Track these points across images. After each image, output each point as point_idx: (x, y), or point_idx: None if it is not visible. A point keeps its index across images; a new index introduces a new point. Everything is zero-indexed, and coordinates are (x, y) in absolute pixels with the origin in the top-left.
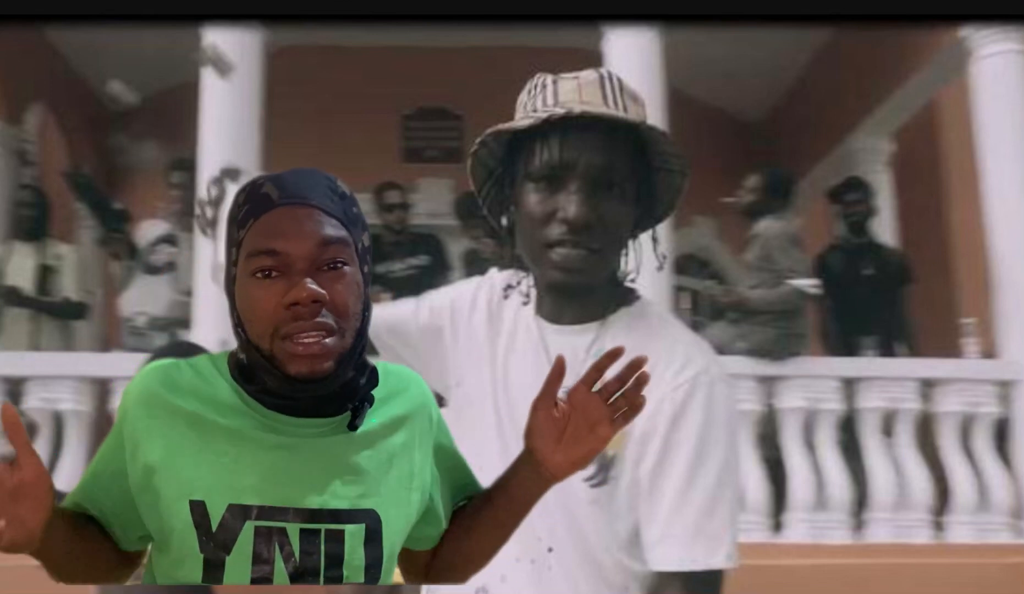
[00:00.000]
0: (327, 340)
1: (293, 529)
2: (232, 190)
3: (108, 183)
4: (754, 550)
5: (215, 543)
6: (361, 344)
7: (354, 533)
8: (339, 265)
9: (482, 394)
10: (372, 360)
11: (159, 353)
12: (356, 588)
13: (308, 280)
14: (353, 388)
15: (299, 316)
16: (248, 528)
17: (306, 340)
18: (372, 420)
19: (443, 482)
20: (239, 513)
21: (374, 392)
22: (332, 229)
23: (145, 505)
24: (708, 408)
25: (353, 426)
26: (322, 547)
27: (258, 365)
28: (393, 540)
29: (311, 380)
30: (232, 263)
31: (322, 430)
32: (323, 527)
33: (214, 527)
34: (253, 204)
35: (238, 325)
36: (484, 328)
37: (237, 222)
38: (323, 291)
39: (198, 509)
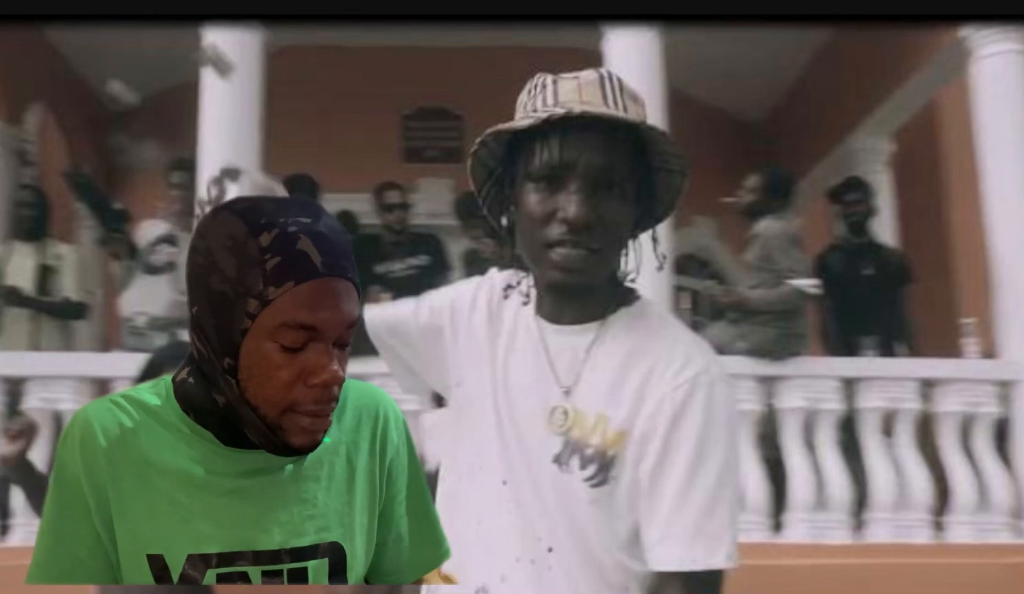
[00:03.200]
0: (329, 415)
1: (255, 572)
2: (232, 190)
3: (108, 183)
4: (754, 550)
5: None
6: None
7: (317, 568)
8: (349, 343)
9: (482, 394)
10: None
11: (159, 353)
12: (356, 588)
13: (335, 363)
14: None
15: (320, 398)
16: (210, 576)
17: (318, 417)
18: (326, 440)
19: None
20: (199, 562)
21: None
22: (357, 307)
23: (112, 558)
24: (708, 408)
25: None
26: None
27: (251, 424)
28: (358, 570)
29: (305, 450)
30: (247, 314)
31: (274, 459)
32: (285, 567)
33: (175, 579)
34: (291, 264)
35: (231, 374)
36: (484, 328)
37: (266, 275)
38: (343, 374)
39: (157, 562)
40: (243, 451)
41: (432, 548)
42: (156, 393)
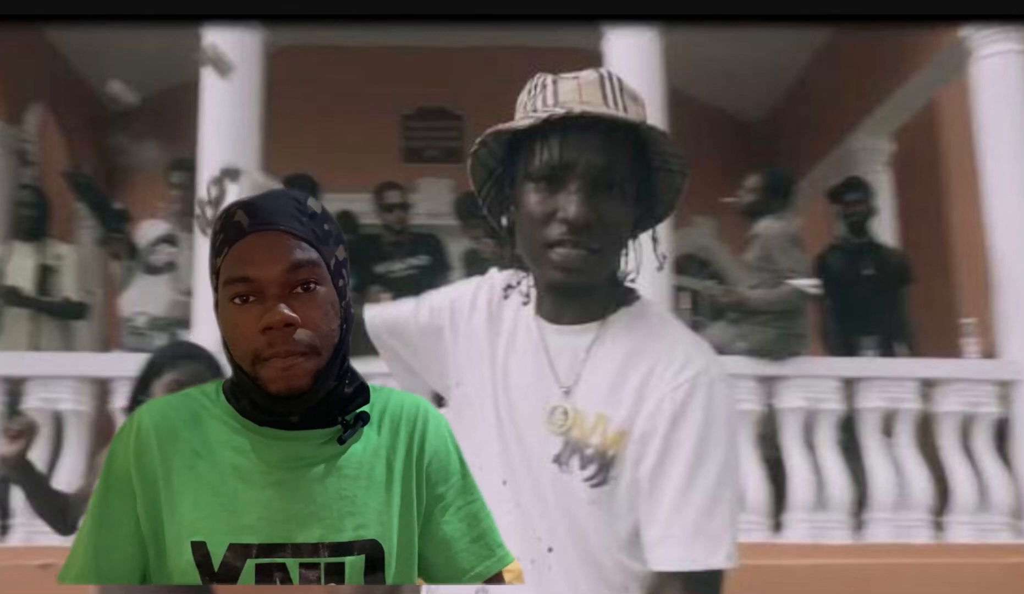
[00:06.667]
0: (302, 360)
1: (293, 564)
2: (232, 190)
3: (108, 183)
4: (754, 550)
5: (217, 582)
6: (340, 356)
7: (354, 564)
8: (311, 286)
9: (482, 394)
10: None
11: (159, 353)
12: (356, 588)
13: (281, 305)
14: (338, 397)
15: (274, 340)
16: (249, 566)
17: (282, 363)
18: (369, 442)
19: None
20: (240, 552)
21: (372, 413)
22: (301, 252)
23: (152, 550)
24: (708, 408)
25: (342, 440)
26: (322, 580)
27: (244, 383)
28: (395, 569)
29: (291, 397)
30: (214, 289)
31: (315, 450)
32: (322, 561)
33: (216, 567)
34: (226, 232)
35: (225, 346)
36: (484, 328)
37: (215, 250)
38: (295, 314)
39: (200, 550)
40: (282, 438)
41: (486, 555)
42: (209, 391)
